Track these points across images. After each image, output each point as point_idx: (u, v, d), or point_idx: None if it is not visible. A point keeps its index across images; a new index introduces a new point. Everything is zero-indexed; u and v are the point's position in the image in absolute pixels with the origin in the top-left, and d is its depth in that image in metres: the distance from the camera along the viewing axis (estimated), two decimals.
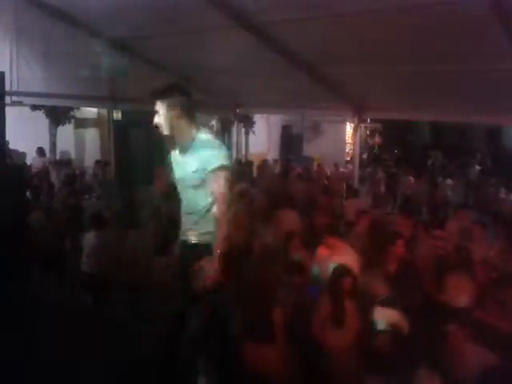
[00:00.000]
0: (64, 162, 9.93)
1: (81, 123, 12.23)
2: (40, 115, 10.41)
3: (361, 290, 3.70)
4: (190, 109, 2.91)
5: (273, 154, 16.00)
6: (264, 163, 11.76)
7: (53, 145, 11.02)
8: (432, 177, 11.73)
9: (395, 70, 6.21)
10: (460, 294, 3.56)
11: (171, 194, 3.29)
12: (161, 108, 2.84)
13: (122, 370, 3.22)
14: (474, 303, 3.57)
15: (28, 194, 6.43)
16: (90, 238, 5.30)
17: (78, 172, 10.45)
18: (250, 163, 11.27)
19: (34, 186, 7.35)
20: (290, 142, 18.24)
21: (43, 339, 3.58)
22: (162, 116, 2.85)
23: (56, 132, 10.98)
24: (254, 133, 13.69)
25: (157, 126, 2.89)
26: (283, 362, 3.18)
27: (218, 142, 2.91)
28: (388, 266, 4.29)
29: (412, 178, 10.94)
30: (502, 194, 9.00)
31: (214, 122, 15.81)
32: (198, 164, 2.81)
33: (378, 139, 20.29)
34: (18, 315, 3.74)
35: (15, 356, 3.28)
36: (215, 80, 8.47)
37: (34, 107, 9.98)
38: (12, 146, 8.78)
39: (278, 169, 12.12)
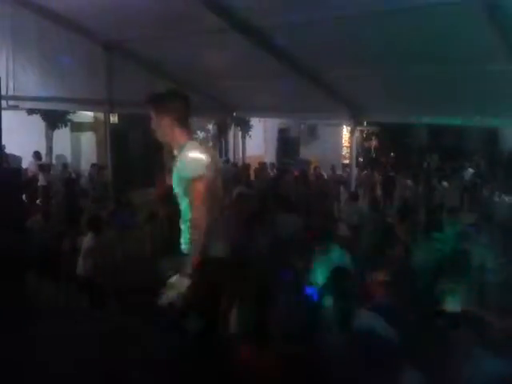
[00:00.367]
0: (46, 166, 9.83)
1: (77, 127, 12.21)
2: (36, 119, 10.39)
3: None
4: (183, 115, 2.85)
5: (270, 157, 16.02)
6: (262, 166, 11.79)
7: (49, 149, 11.00)
8: (428, 179, 11.77)
9: (391, 73, 6.25)
10: None
11: (169, 199, 3.26)
12: (154, 113, 2.84)
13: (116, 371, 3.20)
14: None
15: (24, 197, 6.42)
16: (86, 241, 5.30)
17: (74, 175, 10.46)
18: (246, 166, 11.29)
19: (30, 190, 7.34)
20: (286, 145, 18.28)
21: (39, 341, 3.57)
22: (155, 121, 2.85)
23: (52, 136, 10.96)
24: (250, 136, 13.71)
25: (154, 131, 2.89)
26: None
27: (199, 150, 2.79)
28: None
29: (409, 181, 10.97)
30: (496, 196, 9.01)
31: (210, 126, 15.85)
32: (177, 172, 2.80)
33: (374, 142, 20.37)
34: (14, 319, 3.72)
35: (11, 358, 3.27)
36: (212, 83, 8.48)
37: (31, 111, 9.96)
38: (8, 150, 8.75)
39: (274, 172, 12.15)
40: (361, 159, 16.07)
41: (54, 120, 10.64)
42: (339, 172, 12.53)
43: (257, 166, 11.82)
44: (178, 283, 2.64)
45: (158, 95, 2.90)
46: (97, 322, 3.98)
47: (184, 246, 2.89)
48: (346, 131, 17.01)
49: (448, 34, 4.83)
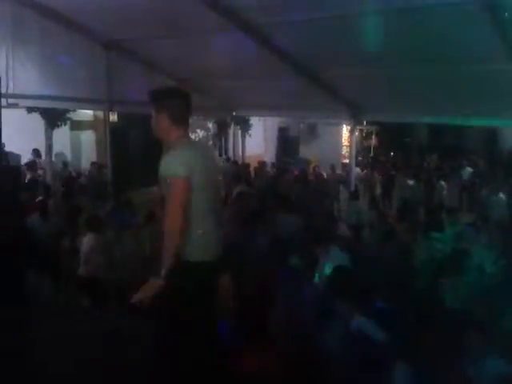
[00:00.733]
0: (32, 163, 9.83)
1: (77, 125, 12.19)
2: (36, 117, 10.38)
3: None
4: (180, 113, 2.79)
5: (269, 156, 16.02)
6: (261, 165, 11.79)
7: (48, 147, 10.98)
8: (428, 179, 11.76)
9: (391, 73, 6.25)
10: None
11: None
12: (153, 109, 2.82)
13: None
14: None
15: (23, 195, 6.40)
16: (87, 241, 5.30)
17: (74, 174, 10.45)
18: (246, 165, 11.29)
19: (29, 188, 7.33)
20: (286, 144, 18.27)
21: (39, 341, 3.57)
22: (153, 118, 2.82)
23: (52, 134, 10.94)
24: (250, 135, 13.70)
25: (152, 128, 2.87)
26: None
27: (186, 149, 2.70)
28: None
29: (409, 180, 10.96)
30: (494, 195, 8.99)
31: (210, 125, 15.85)
32: (159, 171, 2.71)
33: (374, 141, 20.37)
34: (13, 317, 3.73)
35: (10, 359, 3.27)
36: (212, 82, 8.48)
37: (30, 109, 9.95)
38: (7, 148, 8.74)
39: (274, 171, 12.14)
40: (360, 158, 16.03)
41: (53, 118, 10.58)
42: (339, 171, 12.52)
43: (257, 164, 11.83)
44: (148, 285, 2.57)
45: (158, 91, 2.86)
46: (97, 321, 3.97)
47: None
48: (345, 130, 17.00)
49: (448, 34, 4.84)
